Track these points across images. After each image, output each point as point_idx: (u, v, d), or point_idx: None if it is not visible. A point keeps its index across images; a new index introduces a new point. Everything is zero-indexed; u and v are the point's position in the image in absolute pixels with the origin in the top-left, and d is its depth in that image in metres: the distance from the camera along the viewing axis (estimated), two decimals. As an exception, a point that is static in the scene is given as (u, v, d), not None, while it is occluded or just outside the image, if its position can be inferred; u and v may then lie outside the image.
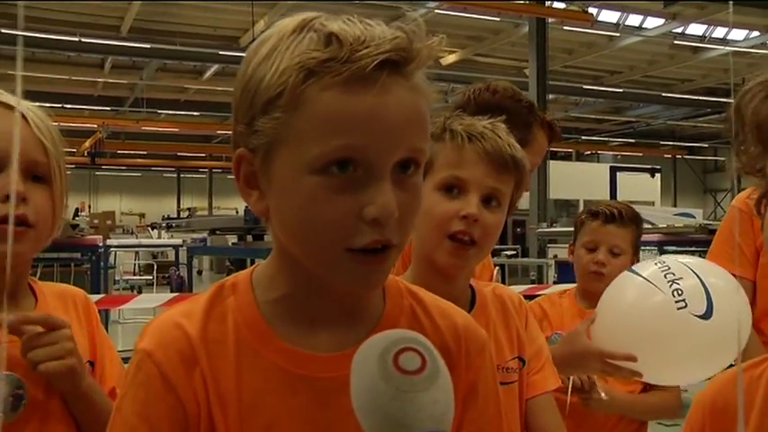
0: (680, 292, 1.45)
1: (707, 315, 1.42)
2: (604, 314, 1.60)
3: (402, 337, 0.64)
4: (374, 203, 0.70)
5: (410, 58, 0.71)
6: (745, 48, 16.06)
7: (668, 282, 1.48)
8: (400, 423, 0.60)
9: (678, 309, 1.44)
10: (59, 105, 18.22)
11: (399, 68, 0.71)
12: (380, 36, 0.71)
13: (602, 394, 1.76)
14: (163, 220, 20.77)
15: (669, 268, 1.52)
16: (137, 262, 15.79)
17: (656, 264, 1.56)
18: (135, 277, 14.83)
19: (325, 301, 0.80)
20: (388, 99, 0.71)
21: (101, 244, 6.27)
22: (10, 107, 1.10)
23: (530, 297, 2.05)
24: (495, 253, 9.67)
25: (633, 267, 1.64)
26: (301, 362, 0.78)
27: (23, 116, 1.10)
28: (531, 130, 1.77)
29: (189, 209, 25.54)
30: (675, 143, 27.20)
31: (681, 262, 1.54)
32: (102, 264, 6.97)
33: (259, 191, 0.77)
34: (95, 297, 3.70)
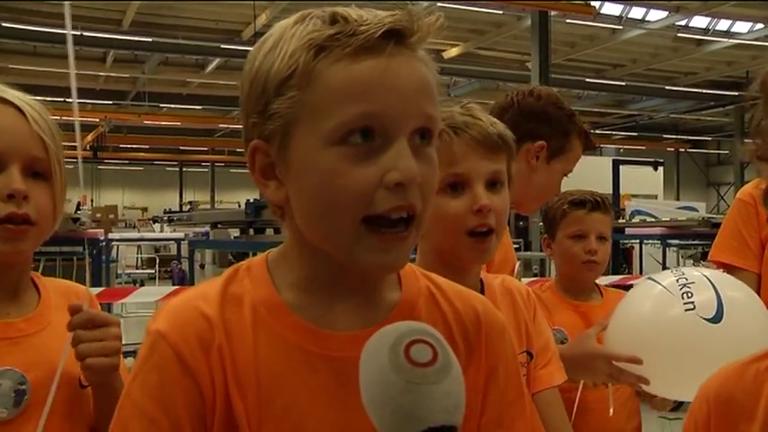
0: (689, 295, 1.44)
1: (716, 319, 1.40)
2: (616, 320, 1.58)
3: (413, 328, 0.63)
4: (396, 168, 0.71)
5: (412, 31, 0.73)
6: (749, 40, 16.00)
7: (680, 286, 1.47)
8: (412, 416, 0.59)
9: (686, 310, 1.42)
10: (61, 99, 18.18)
11: (403, 40, 0.73)
12: (380, 14, 0.74)
13: (611, 410, 1.75)
14: (164, 213, 20.78)
15: (683, 274, 1.51)
16: (139, 256, 15.81)
17: (673, 271, 1.56)
18: (137, 271, 14.85)
19: (343, 284, 0.79)
20: (398, 66, 0.72)
21: (102, 238, 6.27)
22: (9, 102, 1.09)
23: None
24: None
25: (651, 276, 1.62)
26: (321, 341, 0.77)
27: (22, 112, 1.09)
28: (570, 139, 1.78)
29: (190, 203, 25.53)
30: (678, 136, 27.14)
31: (699, 272, 1.53)
32: (104, 257, 6.97)
33: (276, 180, 0.77)
34: (96, 290, 3.70)
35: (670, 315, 1.45)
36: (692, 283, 1.46)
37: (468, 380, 0.63)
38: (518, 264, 1.70)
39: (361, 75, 0.71)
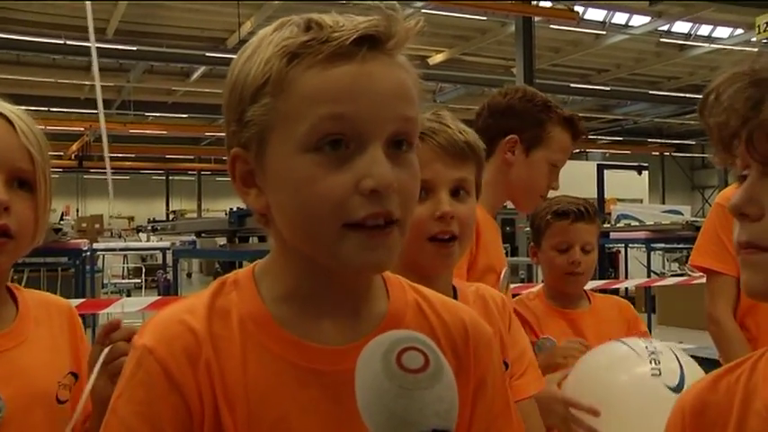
0: (657, 362, 1.46)
1: (678, 388, 1.40)
2: (581, 371, 1.59)
3: (405, 336, 0.64)
4: (370, 175, 0.70)
5: (389, 36, 0.73)
6: (729, 45, 16.17)
7: (649, 352, 1.49)
8: (405, 421, 0.60)
9: (652, 375, 1.44)
10: (45, 109, 18.08)
11: (379, 45, 0.73)
12: (357, 19, 0.73)
13: None
14: (148, 223, 20.68)
15: (652, 343, 1.54)
16: (125, 265, 15.71)
17: (641, 340, 1.58)
18: (123, 281, 14.75)
19: (330, 295, 0.78)
20: (371, 69, 0.72)
21: (85, 248, 6.22)
22: None
23: (519, 296, 2.03)
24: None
25: (620, 339, 1.63)
26: (310, 355, 0.76)
27: (11, 123, 1.08)
28: (545, 128, 1.77)
29: (174, 212, 25.42)
30: (663, 141, 27.35)
31: (667, 345, 1.56)
32: (88, 268, 6.91)
33: (257, 188, 0.77)
34: (76, 301, 3.65)
35: (636, 376, 1.47)
36: (660, 352, 1.49)
37: (458, 391, 0.63)
38: (506, 269, 1.69)
39: (333, 80, 0.71)
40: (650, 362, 1.46)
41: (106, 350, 1.06)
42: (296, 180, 0.72)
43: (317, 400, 0.75)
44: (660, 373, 1.43)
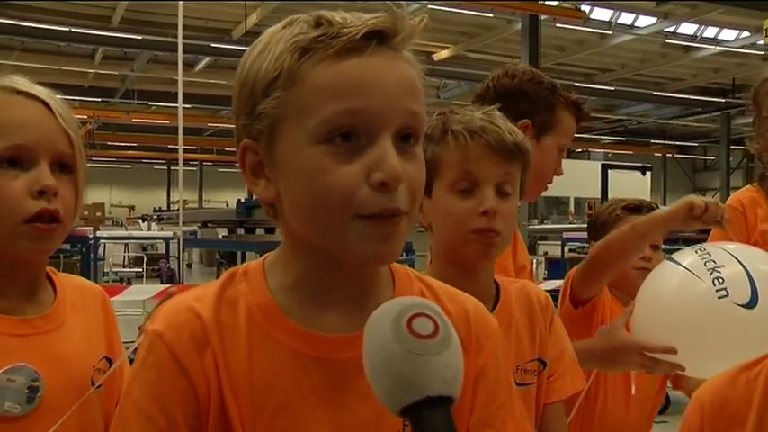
0: (721, 281, 1.39)
1: (751, 304, 1.36)
2: (643, 306, 1.55)
3: (416, 303, 0.65)
4: (380, 168, 0.72)
5: (395, 31, 0.75)
6: (735, 48, 16.14)
7: (708, 270, 1.42)
8: (412, 384, 0.61)
9: (719, 298, 1.38)
10: (49, 96, 18.05)
11: (386, 40, 0.75)
12: (365, 16, 0.75)
13: (633, 389, 1.76)
14: (154, 212, 20.69)
15: (710, 255, 1.45)
16: (126, 254, 15.72)
17: (696, 251, 1.51)
18: (124, 269, 14.77)
19: (336, 285, 0.80)
20: (380, 64, 0.74)
21: (91, 236, 6.24)
22: (36, 98, 1.10)
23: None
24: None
25: (672, 256, 1.57)
26: (314, 343, 0.78)
27: (48, 107, 1.10)
28: (555, 112, 1.73)
29: (177, 202, 25.41)
30: (666, 142, 27.31)
31: (723, 249, 1.48)
32: (92, 256, 6.94)
33: (266, 179, 0.79)
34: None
35: (703, 303, 1.41)
36: (721, 265, 1.42)
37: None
38: (533, 263, 1.69)
39: (344, 74, 0.73)
40: (713, 282, 1.39)
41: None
42: (307, 170, 0.74)
43: (320, 387, 0.77)
44: (728, 293, 1.37)
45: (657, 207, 1.93)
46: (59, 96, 1.14)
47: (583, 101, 1.82)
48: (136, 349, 0.99)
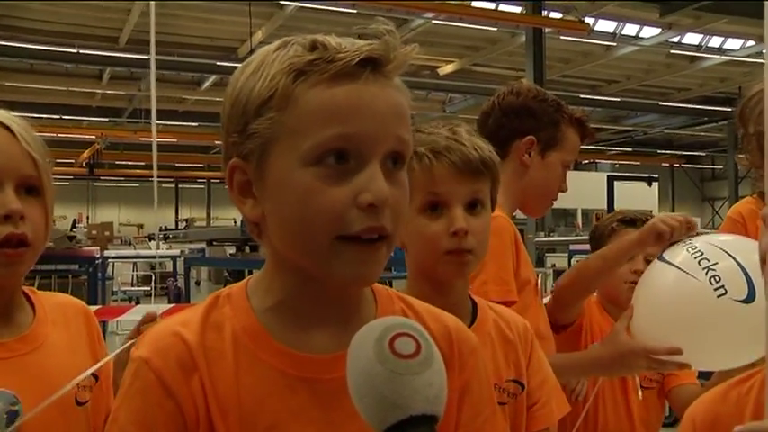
0: (717, 279, 1.41)
1: (749, 299, 1.37)
2: (643, 309, 1.56)
3: (398, 323, 0.66)
4: (369, 190, 0.73)
5: (388, 59, 0.77)
6: (740, 57, 16.13)
7: (704, 269, 1.44)
8: (395, 404, 0.61)
9: (718, 296, 1.40)
10: (57, 117, 18.22)
11: (379, 68, 0.77)
12: (359, 43, 0.77)
13: (640, 394, 1.77)
14: (160, 231, 20.76)
15: (702, 253, 1.47)
16: (135, 273, 15.75)
17: (686, 250, 1.51)
18: (133, 288, 14.79)
19: (320, 305, 0.81)
20: (373, 91, 0.75)
21: (98, 255, 6.26)
22: None
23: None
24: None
25: (663, 255, 1.58)
26: (300, 364, 0.79)
27: (10, 130, 1.09)
28: (560, 129, 1.75)
29: (185, 220, 25.53)
30: (673, 152, 27.26)
31: (713, 244, 1.49)
32: (99, 275, 6.96)
33: (253, 198, 0.80)
34: (92, 308, 3.68)
35: (703, 303, 1.42)
36: (715, 262, 1.43)
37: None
38: (540, 277, 1.70)
39: (338, 99, 0.74)
40: (710, 281, 1.41)
41: (129, 342, 1.08)
42: (296, 192, 0.75)
43: (308, 407, 0.78)
44: (726, 291, 1.39)
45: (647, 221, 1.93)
46: (15, 115, 1.13)
47: (587, 118, 1.83)
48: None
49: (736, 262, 1.42)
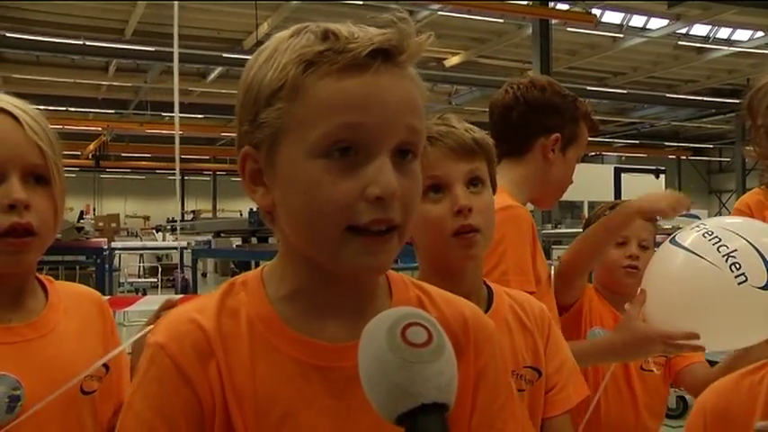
0: (738, 267, 1.41)
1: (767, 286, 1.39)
2: (657, 293, 1.57)
3: (409, 313, 0.66)
4: (376, 183, 0.73)
5: (401, 49, 0.76)
6: (749, 48, 16.02)
7: (723, 255, 1.44)
8: (407, 392, 0.62)
9: (739, 284, 1.41)
10: (64, 108, 18.23)
11: (391, 58, 0.75)
12: (372, 32, 0.76)
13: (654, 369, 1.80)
14: (167, 222, 20.80)
15: (720, 240, 1.47)
16: (141, 264, 15.80)
17: (702, 234, 1.51)
18: (140, 280, 14.83)
19: (334, 294, 0.81)
20: (383, 81, 0.75)
21: (106, 247, 6.29)
22: (3, 111, 1.09)
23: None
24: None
25: (675, 239, 1.58)
26: (315, 352, 0.79)
27: (17, 119, 1.09)
28: (579, 125, 1.76)
29: (193, 211, 25.57)
30: (680, 144, 27.13)
31: (729, 229, 1.49)
32: (107, 266, 6.99)
33: (264, 187, 0.80)
34: (101, 298, 3.70)
35: (725, 291, 1.43)
36: (735, 249, 1.44)
37: (458, 381, 0.65)
38: (552, 268, 1.74)
39: (346, 90, 0.74)
40: (730, 268, 1.42)
41: (147, 328, 1.08)
42: (304, 183, 0.75)
43: (322, 396, 0.78)
44: (747, 279, 1.41)
45: None
46: (33, 106, 1.13)
47: (593, 110, 1.84)
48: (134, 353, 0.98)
49: (755, 248, 1.42)
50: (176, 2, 6.57)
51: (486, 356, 0.86)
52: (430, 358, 0.63)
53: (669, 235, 1.62)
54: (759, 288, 1.40)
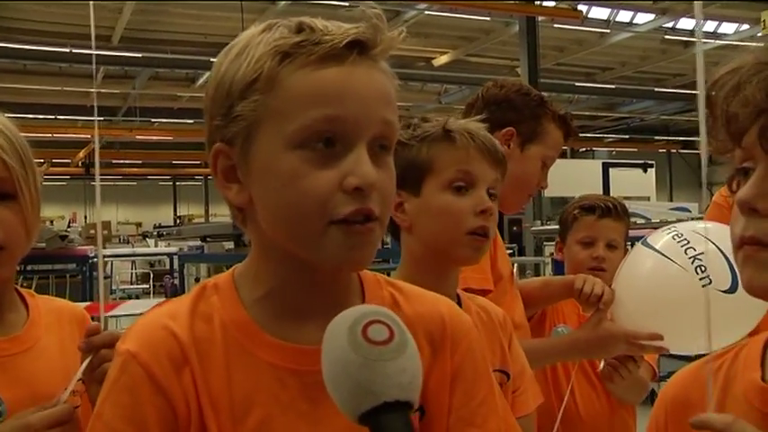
0: (703, 269, 1.43)
1: (732, 289, 1.40)
2: (625, 293, 1.58)
3: (370, 311, 0.66)
4: (354, 173, 0.73)
5: (375, 42, 0.76)
6: (735, 41, 16.11)
7: (689, 258, 1.46)
8: (369, 391, 0.61)
9: (703, 287, 1.43)
10: (52, 117, 18.15)
11: (366, 51, 0.76)
12: (345, 26, 0.76)
13: (601, 364, 1.80)
14: (154, 228, 20.74)
15: (688, 241, 1.49)
16: (133, 271, 15.75)
17: (672, 236, 1.53)
18: (132, 286, 14.79)
19: (309, 294, 0.80)
20: (359, 73, 0.74)
21: (92, 254, 6.25)
22: None
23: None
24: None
25: (647, 240, 1.60)
26: (291, 356, 0.78)
27: None
28: (541, 123, 1.76)
29: (180, 217, 25.51)
30: (669, 138, 27.23)
31: (697, 232, 1.51)
32: (94, 273, 6.96)
33: (238, 183, 0.79)
34: (85, 304, 3.68)
35: (688, 293, 1.45)
36: (702, 252, 1.46)
37: (435, 379, 0.64)
38: (515, 266, 1.72)
39: (324, 81, 0.73)
40: (696, 270, 1.44)
41: (86, 361, 1.05)
42: (282, 175, 0.74)
43: (299, 400, 0.77)
44: (711, 281, 1.43)
45: (615, 208, 1.94)
46: (3, 116, 1.10)
47: (571, 116, 1.84)
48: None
49: (722, 252, 1.43)
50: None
51: (462, 352, 0.85)
52: (391, 356, 0.62)
53: (656, 230, 1.63)
54: (722, 291, 1.41)
